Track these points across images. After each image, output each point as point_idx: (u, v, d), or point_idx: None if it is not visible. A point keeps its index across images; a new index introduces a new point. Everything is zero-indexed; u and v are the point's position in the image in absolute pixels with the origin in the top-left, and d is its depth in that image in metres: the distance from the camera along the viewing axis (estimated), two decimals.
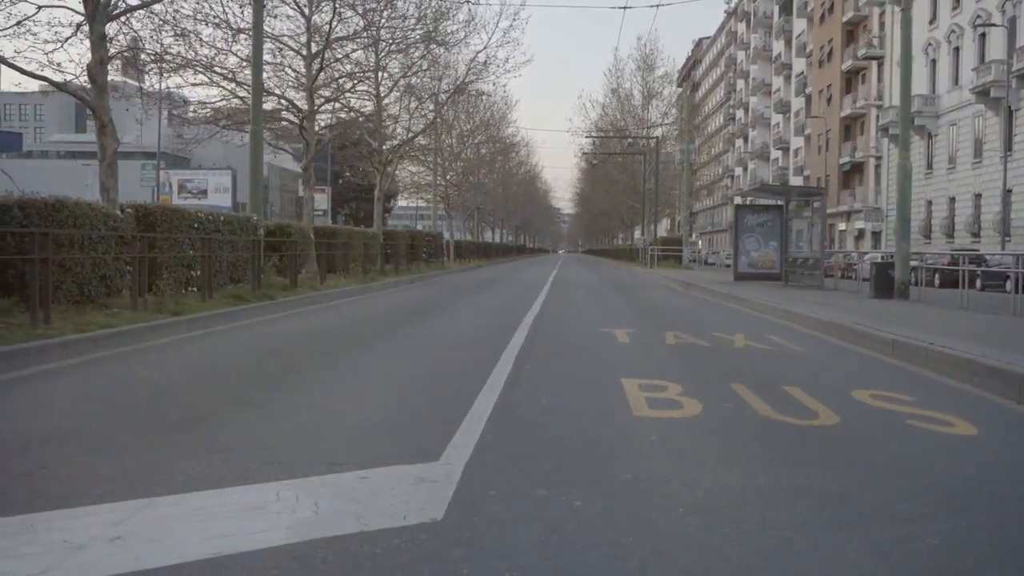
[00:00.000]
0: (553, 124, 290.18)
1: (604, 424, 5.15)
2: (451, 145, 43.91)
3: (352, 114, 26.57)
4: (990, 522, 3.42)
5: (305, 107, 21.24)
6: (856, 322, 10.89)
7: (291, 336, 10.20)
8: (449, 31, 26.14)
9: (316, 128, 21.84)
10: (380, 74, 25.76)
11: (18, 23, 13.08)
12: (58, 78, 13.51)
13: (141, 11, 15.29)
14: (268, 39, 19.50)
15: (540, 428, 5.05)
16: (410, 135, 30.69)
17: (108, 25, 12.71)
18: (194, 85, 20.45)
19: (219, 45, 19.51)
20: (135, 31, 15.84)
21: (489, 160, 54.99)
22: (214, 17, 18.86)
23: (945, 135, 43.95)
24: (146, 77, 19.71)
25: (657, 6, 48.51)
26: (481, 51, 28.61)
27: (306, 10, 20.97)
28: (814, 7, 64.29)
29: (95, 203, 11.33)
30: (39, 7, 13.01)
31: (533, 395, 6.14)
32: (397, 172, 37.33)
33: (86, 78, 12.79)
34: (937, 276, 24.65)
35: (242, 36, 19.24)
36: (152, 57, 17.94)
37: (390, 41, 24.12)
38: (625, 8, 66.30)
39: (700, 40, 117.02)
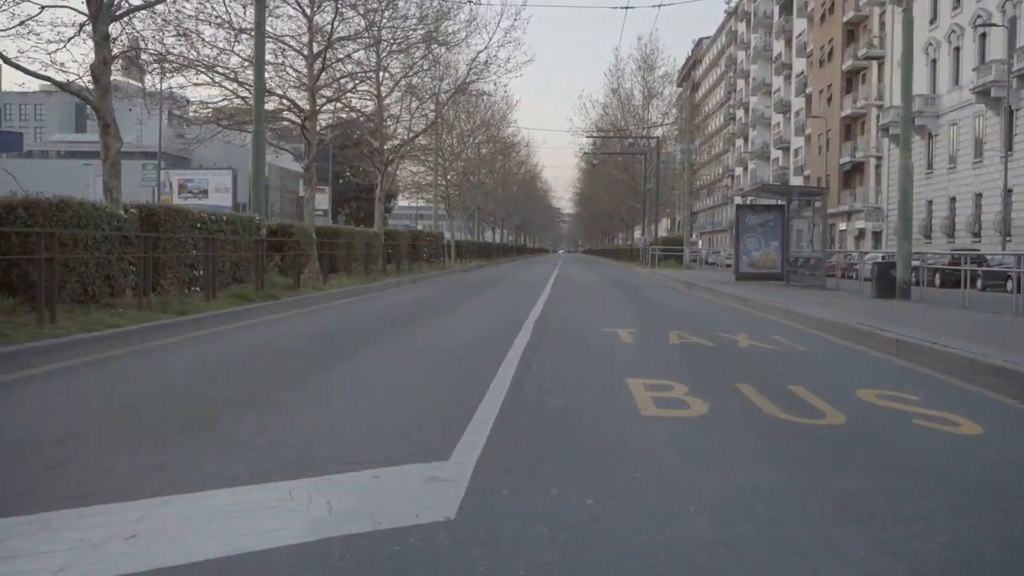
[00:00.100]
0: (554, 124, 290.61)
1: (612, 424, 5.17)
2: (452, 145, 43.94)
3: (353, 114, 26.60)
4: (998, 521, 3.44)
5: (307, 107, 21.27)
6: (859, 322, 10.92)
7: (297, 336, 10.22)
8: (450, 31, 26.22)
9: (318, 128, 21.85)
10: (381, 74, 25.79)
11: (21, 23, 13.11)
12: (61, 78, 13.55)
13: (144, 11, 15.32)
14: (270, 39, 19.52)
15: (548, 427, 5.07)
16: (411, 135, 30.71)
17: (111, 25, 12.73)
18: (196, 85, 20.51)
19: (221, 45, 19.57)
20: (138, 31, 15.90)
21: (490, 160, 55.02)
22: (216, 17, 18.92)
23: (945, 135, 43.97)
24: (148, 77, 19.76)
25: (659, 6, 48.64)
26: (482, 51, 28.71)
27: (308, 10, 21.01)
28: (814, 7, 64.32)
29: (99, 203, 11.36)
30: (42, 7, 13.04)
31: (540, 394, 6.17)
32: (397, 172, 37.33)
33: (89, 78, 12.81)
34: (938, 276, 24.68)
35: (244, 36, 19.27)
36: (155, 57, 17.96)
37: (391, 41, 24.17)
38: (627, 8, 66.10)
39: (700, 40, 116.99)
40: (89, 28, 12.56)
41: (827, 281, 21.86)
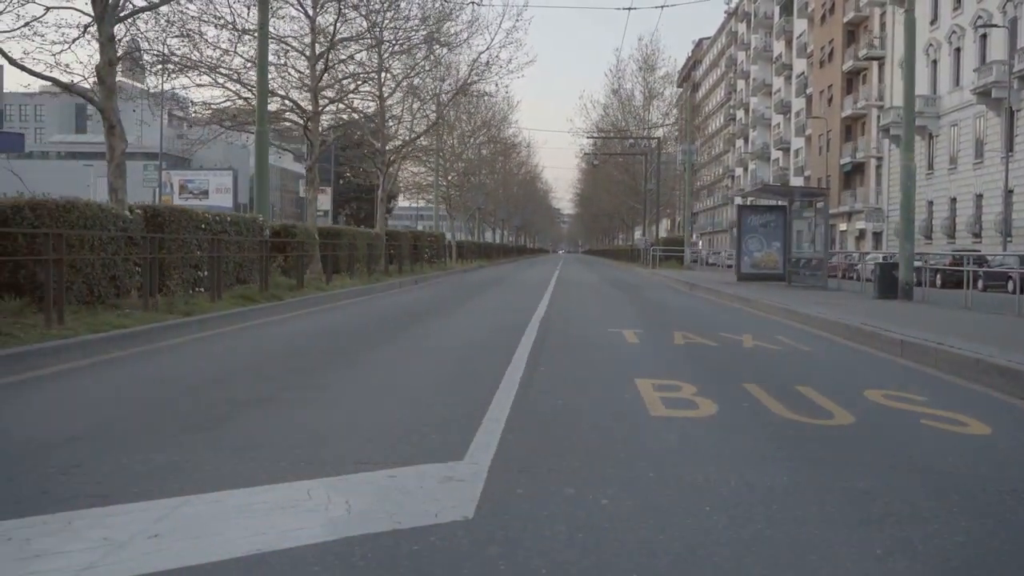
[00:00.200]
0: (554, 125, 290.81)
1: (622, 424, 5.19)
2: (453, 145, 43.97)
3: (355, 115, 26.63)
4: (1014, 521, 3.46)
5: (309, 108, 21.29)
6: (863, 322, 10.94)
7: (302, 337, 10.24)
8: (452, 32, 26.27)
9: (320, 129, 21.88)
10: (383, 75, 25.84)
11: (26, 24, 13.12)
12: (66, 79, 13.55)
13: (148, 12, 15.34)
14: (273, 40, 19.53)
15: (560, 427, 5.09)
16: (413, 136, 30.75)
17: (116, 26, 12.74)
18: (199, 86, 20.51)
19: (224, 46, 19.59)
20: (141, 32, 15.91)
21: (490, 160, 55.05)
22: (219, 18, 18.94)
23: (946, 135, 44.01)
24: (151, 78, 19.77)
25: (662, 7, 48.63)
26: (484, 52, 28.74)
27: (310, 11, 21.04)
28: (815, 7, 64.36)
29: (105, 204, 11.37)
30: (47, 8, 13.06)
31: (549, 395, 6.19)
32: (398, 172, 37.36)
33: (94, 79, 12.82)
34: (939, 276, 24.71)
35: (247, 37, 19.29)
36: (158, 58, 17.98)
37: (393, 42, 24.21)
38: (630, 9, 66.11)
39: (700, 40, 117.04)
40: (94, 29, 12.58)
41: (829, 282, 21.90)
